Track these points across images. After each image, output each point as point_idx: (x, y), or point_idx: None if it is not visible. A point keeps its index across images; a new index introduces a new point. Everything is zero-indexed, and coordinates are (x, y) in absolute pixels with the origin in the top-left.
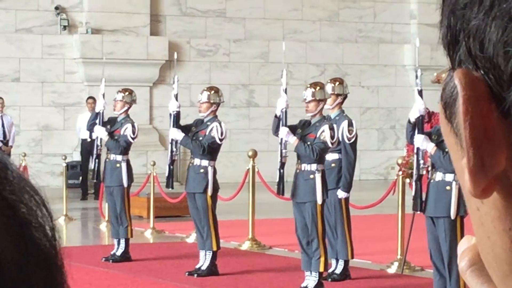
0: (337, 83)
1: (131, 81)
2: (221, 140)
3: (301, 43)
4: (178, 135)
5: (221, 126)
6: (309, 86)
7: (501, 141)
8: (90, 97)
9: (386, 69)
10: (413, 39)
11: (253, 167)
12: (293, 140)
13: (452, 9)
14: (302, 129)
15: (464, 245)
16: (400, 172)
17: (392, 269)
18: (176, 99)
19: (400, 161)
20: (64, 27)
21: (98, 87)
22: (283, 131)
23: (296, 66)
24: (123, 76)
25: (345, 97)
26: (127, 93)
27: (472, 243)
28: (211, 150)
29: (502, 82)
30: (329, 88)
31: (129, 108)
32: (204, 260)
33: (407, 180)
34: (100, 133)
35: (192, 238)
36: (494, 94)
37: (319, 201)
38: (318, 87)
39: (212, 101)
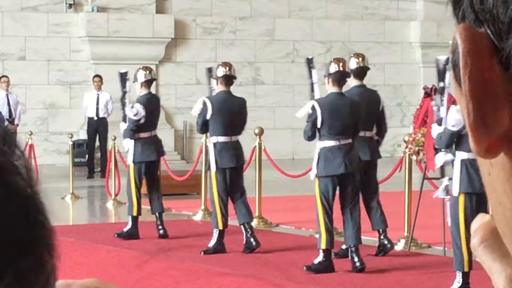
0: (360, 58)
1: (137, 59)
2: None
3: (307, 20)
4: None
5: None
6: (332, 61)
7: (503, 97)
8: (96, 75)
9: (392, 46)
10: (419, 16)
11: (260, 144)
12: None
13: None
14: None
15: (477, 223)
16: (407, 150)
17: (399, 246)
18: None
19: (406, 138)
20: (70, 5)
21: (104, 65)
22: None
23: (301, 44)
24: (129, 54)
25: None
26: (147, 71)
27: (485, 220)
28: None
29: (501, 33)
30: (353, 63)
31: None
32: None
33: (414, 157)
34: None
35: (199, 215)
36: (497, 49)
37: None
38: (342, 63)
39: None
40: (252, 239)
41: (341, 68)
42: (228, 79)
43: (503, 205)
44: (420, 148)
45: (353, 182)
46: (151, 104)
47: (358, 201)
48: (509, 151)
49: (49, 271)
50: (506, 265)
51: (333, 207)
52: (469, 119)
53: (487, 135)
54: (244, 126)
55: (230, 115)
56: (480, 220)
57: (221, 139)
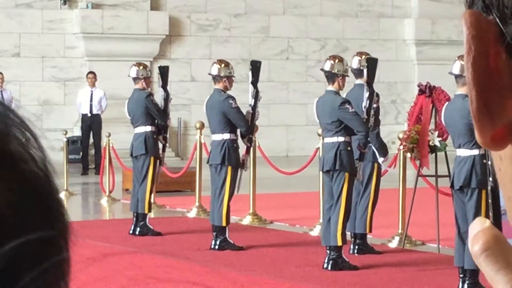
0: (363, 56)
1: (131, 56)
2: None
3: (301, 17)
4: None
5: None
6: (328, 58)
7: (509, 85)
8: (90, 72)
9: (387, 43)
10: (414, 13)
11: (254, 141)
12: None
13: None
14: None
15: (476, 228)
16: (401, 147)
17: (393, 244)
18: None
19: (401, 136)
20: (64, 1)
21: (98, 62)
22: None
23: (296, 41)
24: (123, 51)
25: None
26: (141, 67)
27: (485, 225)
28: None
29: (506, 18)
30: (355, 61)
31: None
32: None
33: (408, 155)
34: None
35: (193, 212)
36: (503, 36)
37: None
38: (337, 60)
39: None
40: None
41: (334, 66)
42: (215, 78)
43: None
44: (415, 145)
45: (331, 180)
46: (129, 101)
47: (337, 201)
48: None
49: (64, 263)
50: (511, 276)
51: (325, 203)
52: (472, 107)
53: (491, 124)
54: (220, 125)
55: (209, 114)
56: (480, 225)
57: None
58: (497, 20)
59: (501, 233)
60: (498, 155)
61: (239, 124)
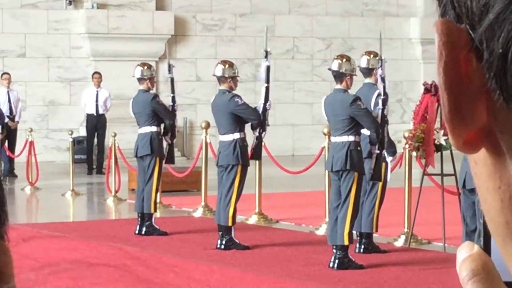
0: (372, 55)
1: (137, 56)
2: None
3: (307, 17)
4: None
5: None
6: (335, 58)
7: (479, 90)
8: (96, 72)
9: (392, 42)
10: (419, 12)
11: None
12: None
13: None
14: None
15: (464, 253)
16: (407, 146)
17: (399, 243)
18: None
19: (406, 135)
20: (70, 2)
21: (104, 62)
22: None
23: (302, 40)
24: (129, 51)
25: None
26: (146, 67)
27: (474, 251)
28: None
29: (474, 25)
30: (364, 60)
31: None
32: None
33: (414, 154)
34: None
35: (199, 212)
36: (473, 42)
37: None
38: (344, 59)
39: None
40: None
41: (342, 65)
42: (219, 79)
43: (488, 203)
44: (420, 144)
45: (339, 180)
46: (134, 102)
47: (345, 201)
48: (489, 146)
49: None
50: None
51: (332, 202)
52: (445, 110)
53: (464, 127)
54: (230, 126)
55: (216, 115)
56: (468, 250)
57: (221, 137)
58: (467, 27)
59: (489, 259)
60: (473, 160)
61: (250, 118)
